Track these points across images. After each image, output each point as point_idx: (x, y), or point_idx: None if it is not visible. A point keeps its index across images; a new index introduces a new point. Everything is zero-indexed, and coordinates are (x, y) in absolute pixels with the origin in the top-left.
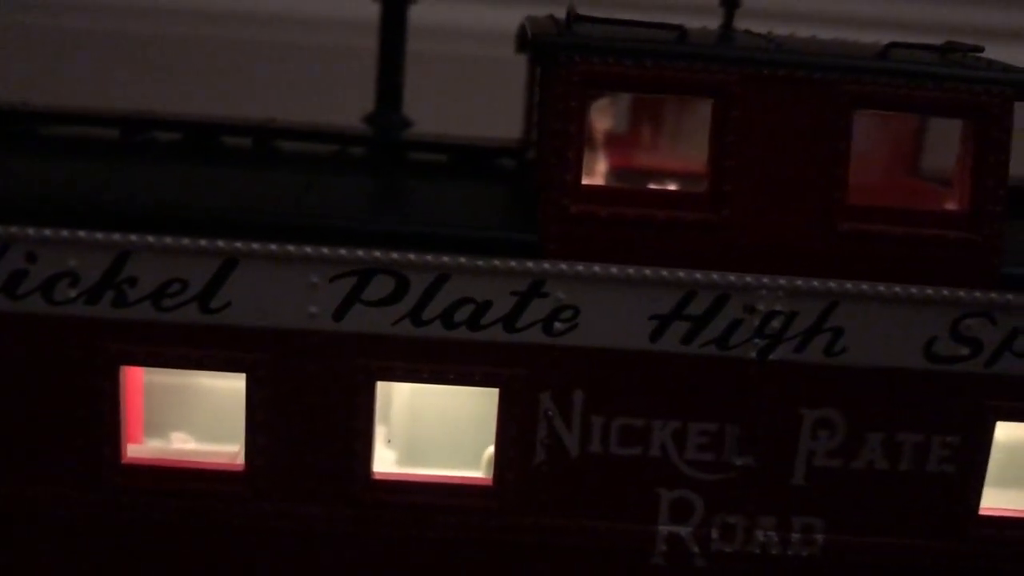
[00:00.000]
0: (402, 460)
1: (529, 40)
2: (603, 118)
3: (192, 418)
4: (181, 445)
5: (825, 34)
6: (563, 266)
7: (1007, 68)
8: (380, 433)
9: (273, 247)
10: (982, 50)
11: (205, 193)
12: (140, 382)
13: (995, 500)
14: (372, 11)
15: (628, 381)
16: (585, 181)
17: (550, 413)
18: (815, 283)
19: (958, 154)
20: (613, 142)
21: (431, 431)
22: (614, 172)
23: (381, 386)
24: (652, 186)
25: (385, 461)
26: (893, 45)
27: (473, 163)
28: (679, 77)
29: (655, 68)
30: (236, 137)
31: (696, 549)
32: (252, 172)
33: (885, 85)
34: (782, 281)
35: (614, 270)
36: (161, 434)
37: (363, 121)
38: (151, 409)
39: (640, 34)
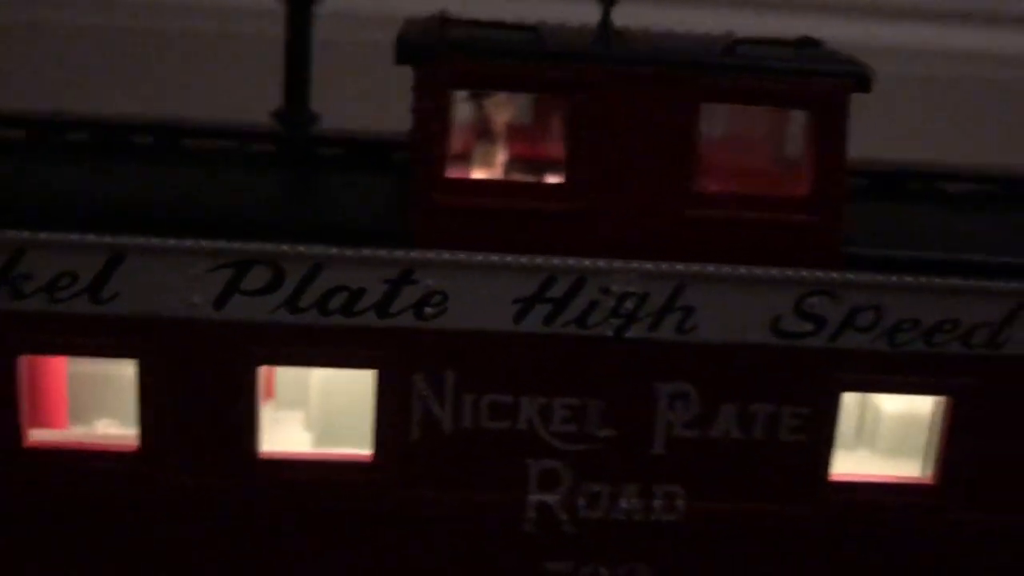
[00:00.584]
0: (318, 442)
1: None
2: (503, 111)
3: (117, 405)
4: (106, 431)
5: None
6: (431, 254)
7: (846, 61)
8: (296, 418)
9: (155, 241)
10: (821, 44)
11: (99, 191)
12: (62, 372)
13: (882, 468)
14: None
15: (495, 360)
16: (484, 173)
17: (424, 392)
18: (664, 266)
19: (803, 142)
20: (514, 134)
21: (344, 413)
22: (512, 163)
23: (298, 372)
24: (549, 176)
25: (302, 443)
26: (741, 41)
27: (373, 157)
28: (534, 75)
29: (511, 67)
30: (144, 136)
31: (564, 516)
32: (152, 170)
33: (730, 79)
34: (634, 265)
35: (479, 257)
36: (86, 421)
37: (271, 116)
38: (76, 397)
39: (501, 35)
